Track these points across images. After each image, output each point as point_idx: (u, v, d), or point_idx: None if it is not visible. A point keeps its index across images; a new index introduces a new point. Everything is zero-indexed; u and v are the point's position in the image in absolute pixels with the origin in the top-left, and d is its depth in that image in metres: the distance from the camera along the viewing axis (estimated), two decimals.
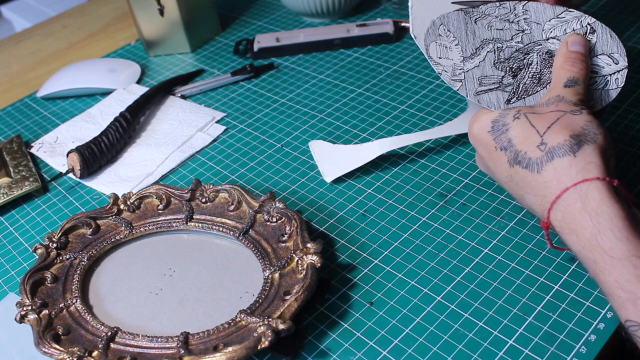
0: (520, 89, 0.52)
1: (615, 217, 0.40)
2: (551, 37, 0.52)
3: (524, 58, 0.52)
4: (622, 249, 0.39)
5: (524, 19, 0.52)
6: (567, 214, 0.42)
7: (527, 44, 0.52)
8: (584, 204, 0.41)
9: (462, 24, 0.53)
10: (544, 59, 0.52)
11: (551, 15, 0.52)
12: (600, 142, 0.44)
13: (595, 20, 0.51)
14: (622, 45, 0.51)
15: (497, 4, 0.53)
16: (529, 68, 0.52)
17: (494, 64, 0.52)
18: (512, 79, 0.52)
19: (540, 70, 0.52)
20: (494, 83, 0.52)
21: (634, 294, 0.38)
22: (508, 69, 0.52)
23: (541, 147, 0.44)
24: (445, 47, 0.53)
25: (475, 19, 0.53)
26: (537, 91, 0.52)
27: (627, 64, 0.51)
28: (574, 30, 0.51)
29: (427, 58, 0.54)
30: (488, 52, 0.53)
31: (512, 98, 0.52)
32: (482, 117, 0.49)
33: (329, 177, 0.62)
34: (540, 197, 0.44)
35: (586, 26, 0.51)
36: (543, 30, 0.52)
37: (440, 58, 0.53)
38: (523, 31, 0.52)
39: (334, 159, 0.63)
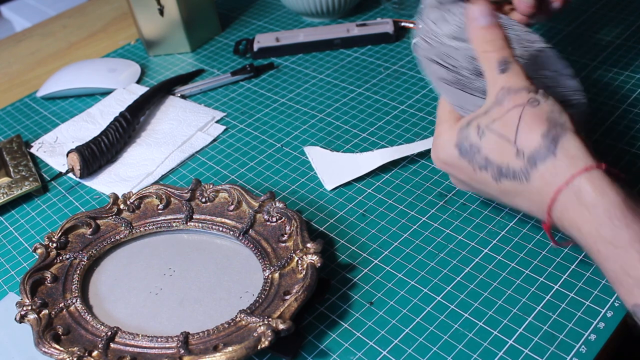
0: (463, 81, 0.50)
1: (611, 207, 0.39)
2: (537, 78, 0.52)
3: None
4: (624, 237, 0.39)
5: (535, 51, 0.52)
6: (565, 211, 0.42)
7: None
8: (579, 199, 0.41)
9: None
10: None
11: (554, 68, 0.52)
12: (569, 127, 0.43)
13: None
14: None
15: (527, 29, 0.53)
16: None
17: (471, 57, 0.51)
18: (472, 76, 0.51)
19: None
20: (453, 66, 0.51)
21: None
22: (478, 69, 0.51)
23: (520, 157, 0.43)
24: (445, 20, 0.52)
25: None
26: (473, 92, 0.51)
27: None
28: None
29: (419, 11, 0.53)
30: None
31: (452, 79, 0.50)
32: (443, 145, 0.48)
33: (329, 185, 0.61)
34: (537, 202, 0.44)
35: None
36: (536, 71, 0.51)
37: (429, 19, 0.53)
38: (521, 57, 0.51)
39: (333, 167, 0.63)
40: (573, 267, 0.50)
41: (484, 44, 0.47)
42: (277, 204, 0.55)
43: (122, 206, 0.58)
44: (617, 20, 0.80)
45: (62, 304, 0.50)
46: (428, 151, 0.64)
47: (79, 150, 0.66)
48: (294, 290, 0.47)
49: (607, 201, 0.39)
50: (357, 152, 0.64)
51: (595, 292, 0.48)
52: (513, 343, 0.45)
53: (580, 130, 0.44)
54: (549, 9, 0.56)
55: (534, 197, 0.44)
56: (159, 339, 0.46)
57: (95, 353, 0.46)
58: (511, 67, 0.46)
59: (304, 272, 0.49)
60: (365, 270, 0.52)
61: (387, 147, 0.65)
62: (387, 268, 0.52)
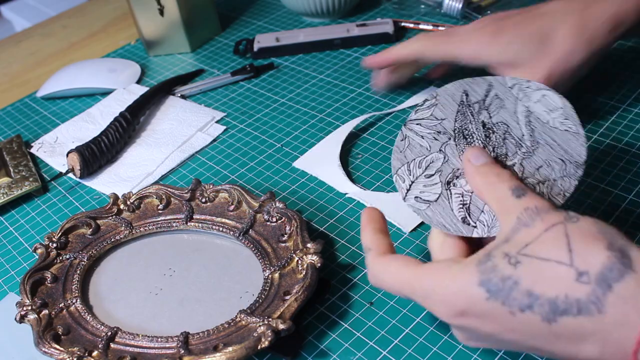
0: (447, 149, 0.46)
1: None
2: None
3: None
4: None
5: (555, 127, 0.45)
6: None
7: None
8: None
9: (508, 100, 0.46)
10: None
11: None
12: (625, 237, 0.35)
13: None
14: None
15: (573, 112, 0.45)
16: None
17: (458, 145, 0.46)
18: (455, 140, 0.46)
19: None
20: (435, 137, 0.47)
21: None
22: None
23: (583, 280, 0.33)
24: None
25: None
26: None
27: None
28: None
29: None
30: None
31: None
32: (459, 289, 0.36)
33: (407, 228, 0.55)
34: (613, 341, 0.33)
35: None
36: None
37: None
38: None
39: (397, 210, 0.56)
40: None
41: (489, 177, 0.41)
42: (277, 204, 0.55)
43: (122, 206, 0.58)
44: None
45: (62, 304, 0.50)
46: None
47: (79, 150, 0.66)
48: (294, 291, 0.47)
49: None
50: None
51: None
52: None
53: None
54: None
55: (609, 334, 0.33)
56: (159, 339, 0.46)
57: (95, 353, 0.46)
58: (528, 192, 0.39)
59: (304, 272, 0.49)
60: (366, 271, 0.52)
61: (388, 147, 0.65)
62: None
